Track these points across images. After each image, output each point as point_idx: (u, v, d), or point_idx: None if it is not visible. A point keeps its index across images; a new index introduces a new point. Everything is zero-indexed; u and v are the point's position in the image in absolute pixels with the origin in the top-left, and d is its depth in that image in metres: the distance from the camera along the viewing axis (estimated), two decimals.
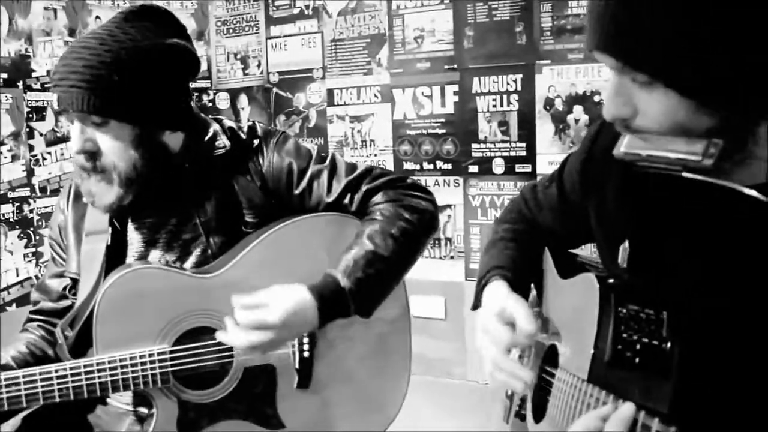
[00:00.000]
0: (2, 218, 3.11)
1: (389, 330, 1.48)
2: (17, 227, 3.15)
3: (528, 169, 3.20)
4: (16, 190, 3.16)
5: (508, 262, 1.23)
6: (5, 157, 3.11)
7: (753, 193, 0.83)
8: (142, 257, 1.40)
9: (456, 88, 3.32)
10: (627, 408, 0.83)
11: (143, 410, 1.38)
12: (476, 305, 1.22)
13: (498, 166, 3.28)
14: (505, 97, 3.22)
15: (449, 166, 3.40)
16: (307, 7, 3.63)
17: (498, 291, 1.16)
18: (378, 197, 1.41)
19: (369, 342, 1.46)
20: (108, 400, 1.44)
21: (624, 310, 0.96)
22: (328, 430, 1.44)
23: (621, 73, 0.85)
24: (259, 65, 3.81)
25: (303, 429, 1.41)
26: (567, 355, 1.09)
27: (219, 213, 1.39)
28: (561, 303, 1.19)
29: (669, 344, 0.92)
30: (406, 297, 1.51)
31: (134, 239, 1.41)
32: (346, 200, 1.41)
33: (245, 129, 1.45)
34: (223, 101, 3.91)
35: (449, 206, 3.41)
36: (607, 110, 0.88)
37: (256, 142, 1.44)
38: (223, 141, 1.42)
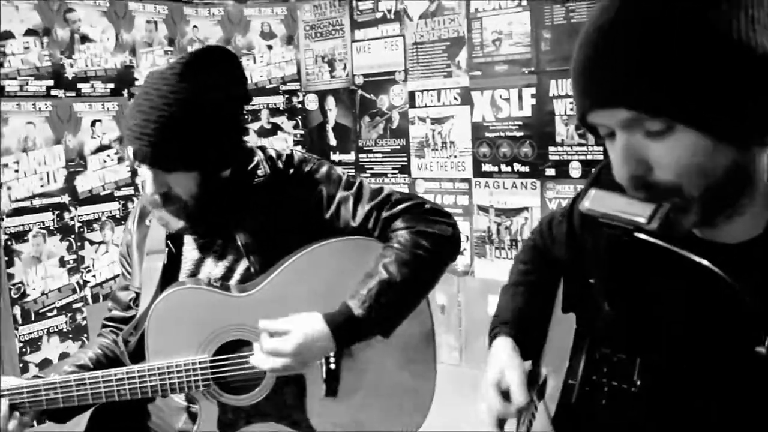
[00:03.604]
0: (110, 215, 3.44)
1: (414, 339, 1.58)
2: (122, 223, 3.47)
3: None
4: (122, 189, 3.49)
5: (516, 316, 1.32)
6: (112, 160, 3.44)
7: (704, 262, 0.82)
8: (193, 274, 1.57)
9: (533, 90, 3.32)
10: None
11: (195, 407, 1.56)
12: (489, 347, 1.32)
13: (575, 169, 3.26)
14: None
15: (526, 169, 3.41)
16: (389, 11, 3.73)
17: (501, 352, 1.25)
18: (397, 223, 1.50)
19: (394, 350, 1.56)
20: None
21: (597, 354, 1.01)
22: None
23: (629, 130, 0.83)
24: (344, 68, 3.95)
25: None
26: (550, 389, 1.15)
27: (258, 236, 1.53)
28: (555, 336, 1.24)
29: (638, 388, 0.96)
30: (428, 305, 1.60)
31: (187, 258, 1.58)
32: (370, 225, 1.52)
33: (284, 158, 1.58)
34: (311, 102, 4.09)
35: (526, 209, 3.43)
36: (621, 173, 0.85)
37: (291, 170, 1.57)
38: (264, 169, 1.56)
